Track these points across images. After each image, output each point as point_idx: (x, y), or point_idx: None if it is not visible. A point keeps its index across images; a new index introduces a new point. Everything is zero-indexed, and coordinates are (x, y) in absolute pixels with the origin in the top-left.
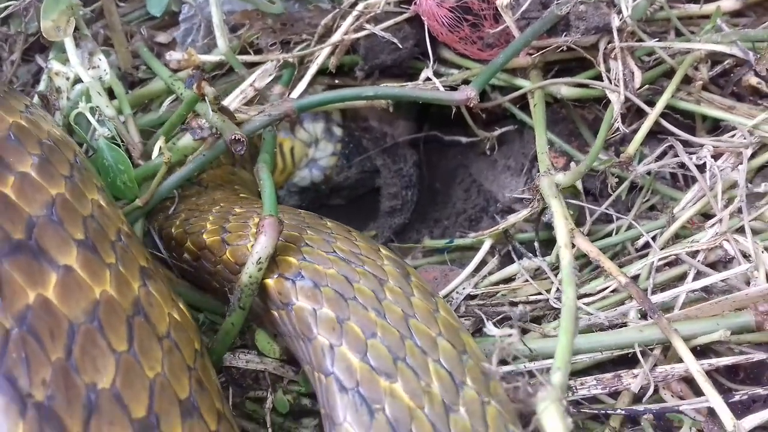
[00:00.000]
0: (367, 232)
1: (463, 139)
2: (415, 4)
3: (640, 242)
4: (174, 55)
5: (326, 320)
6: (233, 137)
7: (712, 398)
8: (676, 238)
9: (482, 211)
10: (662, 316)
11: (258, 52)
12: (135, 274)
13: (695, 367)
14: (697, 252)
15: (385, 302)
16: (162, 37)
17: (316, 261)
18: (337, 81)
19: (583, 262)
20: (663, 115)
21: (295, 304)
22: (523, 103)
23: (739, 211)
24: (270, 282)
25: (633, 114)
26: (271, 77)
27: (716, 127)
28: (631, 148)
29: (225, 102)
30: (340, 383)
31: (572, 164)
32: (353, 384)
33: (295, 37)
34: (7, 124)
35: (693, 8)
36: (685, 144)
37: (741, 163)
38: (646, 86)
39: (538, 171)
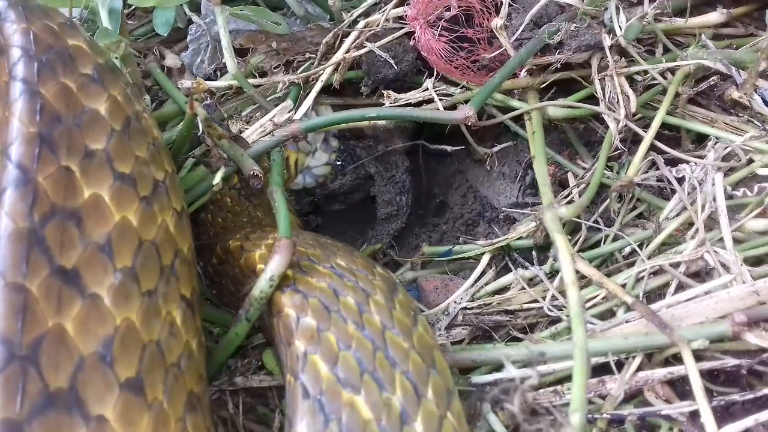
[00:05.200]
0: (367, 239)
1: (449, 148)
2: (414, 39)
3: (627, 250)
4: (185, 83)
5: (306, 328)
6: (252, 173)
7: (701, 404)
8: (663, 245)
9: (478, 216)
10: (673, 331)
11: (263, 74)
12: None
13: (694, 375)
14: (679, 263)
15: (366, 315)
16: (170, 60)
17: (310, 274)
18: (341, 99)
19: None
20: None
21: (283, 312)
22: (518, 116)
23: (718, 221)
24: None
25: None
26: (291, 113)
27: (700, 138)
28: (631, 171)
29: (245, 134)
30: (305, 389)
31: (574, 190)
32: (317, 392)
33: (298, 57)
34: None
35: (679, 21)
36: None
37: (717, 175)
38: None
39: (533, 178)
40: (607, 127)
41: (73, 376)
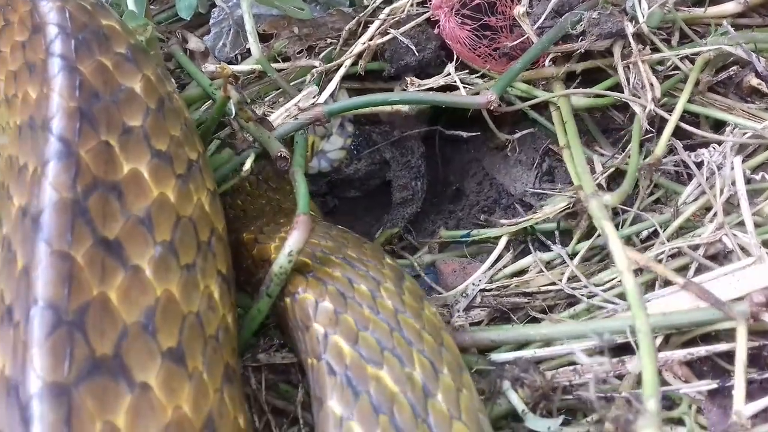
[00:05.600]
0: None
1: (465, 134)
2: (439, 27)
3: (644, 234)
4: (208, 67)
5: (325, 311)
6: (279, 154)
7: (739, 381)
8: (681, 230)
9: (494, 203)
10: (731, 307)
11: (285, 59)
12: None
13: (742, 350)
14: (698, 245)
15: (379, 300)
16: (192, 43)
17: (325, 264)
18: (359, 83)
19: (590, 254)
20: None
21: (301, 294)
22: (538, 105)
23: (738, 205)
24: None
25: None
26: (315, 99)
27: (718, 125)
28: (659, 150)
29: (271, 118)
30: (330, 367)
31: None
32: (342, 368)
33: (320, 42)
34: None
35: (698, 11)
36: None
37: (736, 159)
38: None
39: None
40: (625, 114)
41: (117, 344)
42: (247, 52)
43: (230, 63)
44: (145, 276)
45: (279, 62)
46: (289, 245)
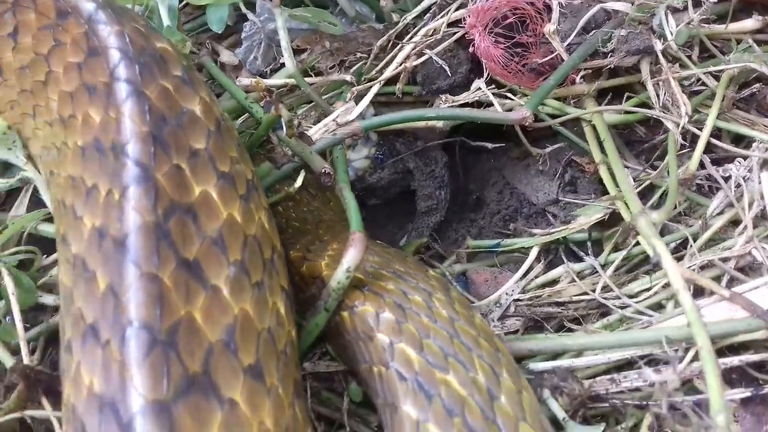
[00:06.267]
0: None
1: (489, 145)
2: (473, 46)
3: (672, 246)
4: (242, 81)
5: (387, 321)
6: (323, 170)
7: None
8: (708, 242)
9: (515, 212)
10: None
11: (317, 73)
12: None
13: None
14: (728, 258)
15: (434, 309)
16: (225, 57)
17: (378, 278)
18: (384, 96)
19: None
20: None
21: (360, 307)
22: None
23: (764, 218)
24: None
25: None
26: (352, 115)
27: (738, 139)
28: (692, 165)
29: (309, 133)
30: (400, 374)
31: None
32: (412, 374)
33: (350, 57)
34: None
35: (718, 27)
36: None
37: (764, 173)
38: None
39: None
40: (648, 128)
41: (205, 362)
42: (278, 66)
43: (261, 76)
44: (223, 295)
45: (311, 76)
46: (346, 262)
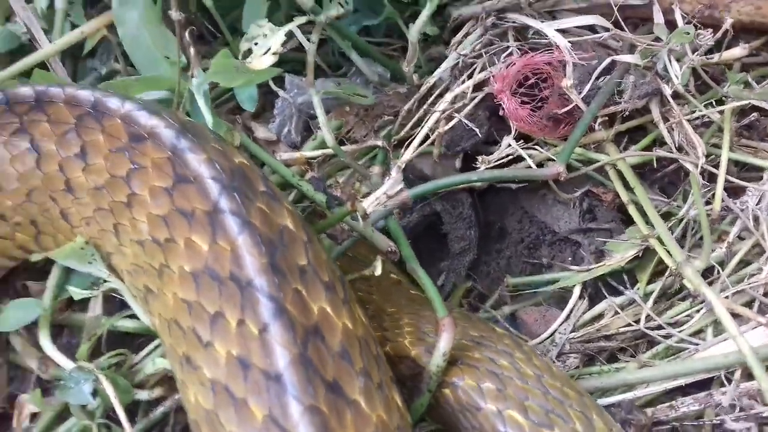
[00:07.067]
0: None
1: (513, 186)
2: (502, 110)
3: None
4: (283, 156)
5: (491, 392)
6: (389, 249)
7: None
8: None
9: (537, 239)
10: None
11: (352, 141)
12: None
13: None
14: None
15: (522, 370)
16: (261, 133)
17: (464, 349)
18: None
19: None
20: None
21: (461, 382)
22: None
23: None
24: None
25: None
26: (400, 187)
27: (742, 167)
28: (716, 205)
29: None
30: None
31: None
32: None
33: (378, 121)
34: None
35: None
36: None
37: None
38: None
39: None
40: (662, 162)
41: None
42: (308, 136)
43: (295, 148)
44: (362, 408)
45: (345, 144)
46: (442, 347)
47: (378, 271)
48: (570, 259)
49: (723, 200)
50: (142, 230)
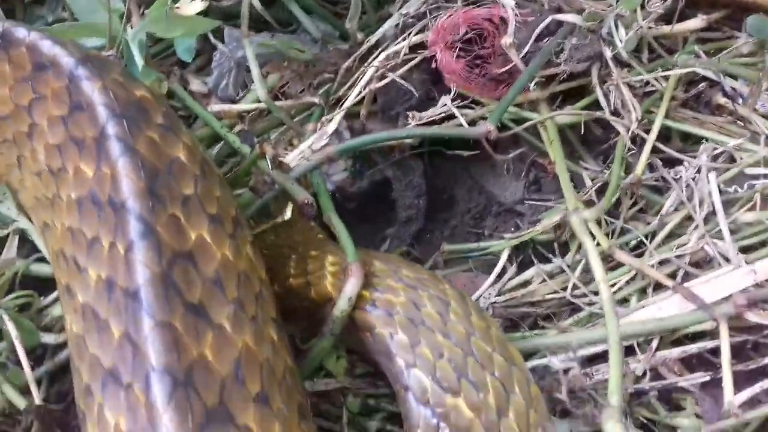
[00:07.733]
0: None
1: (465, 153)
2: (435, 61)
3: (633, 243)
4: (214, 108)
5: (401, 345)
6: (306, 201)
7: (726, 372)
8: (666, 238)
9: (485, 210)
10: (714, 310)
11: (288, 97)
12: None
13: (726, 346)
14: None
15: (450, 324)
16: (195, 86)
17: (386, 291)
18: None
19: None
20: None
21: (374, 331)
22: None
23: (714, 214)
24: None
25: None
26: (325, 141)
27: (685, 137)
28: (639, 169)
29: (286, 159)
30: (415, 398)
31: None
32: (425, 400)
33: (318, 78)
34: None
35: (665, 28)
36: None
37: (711, 174)
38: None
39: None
40: (604, 128)
41: (220, 395)
42: (247, 89)
43: (232, 102)
44: (228, 332)
45: (281, 99)
46: (347, 292)
47: (288, 216)
48: (513, 230)
49: (657, 169)
50: (40, 161)
